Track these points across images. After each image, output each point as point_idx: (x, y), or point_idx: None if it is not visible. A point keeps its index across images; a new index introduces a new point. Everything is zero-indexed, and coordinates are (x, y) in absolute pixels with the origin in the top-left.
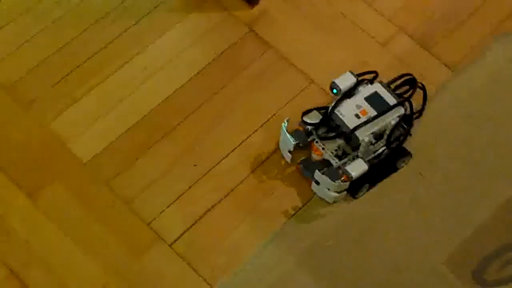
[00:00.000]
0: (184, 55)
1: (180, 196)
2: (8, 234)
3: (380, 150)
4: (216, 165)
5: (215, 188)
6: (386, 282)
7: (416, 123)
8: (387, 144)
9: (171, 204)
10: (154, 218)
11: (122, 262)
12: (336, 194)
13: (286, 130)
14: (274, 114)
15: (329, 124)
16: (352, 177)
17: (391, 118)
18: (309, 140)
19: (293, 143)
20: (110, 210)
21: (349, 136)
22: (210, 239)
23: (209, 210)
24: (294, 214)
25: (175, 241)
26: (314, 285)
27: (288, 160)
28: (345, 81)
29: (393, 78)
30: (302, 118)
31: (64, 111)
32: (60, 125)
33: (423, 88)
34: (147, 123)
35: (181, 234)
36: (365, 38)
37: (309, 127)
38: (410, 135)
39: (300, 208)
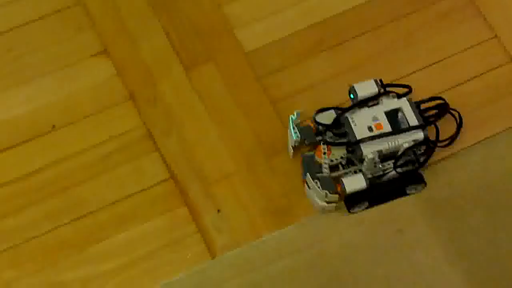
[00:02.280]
0: None
1: None
2: (155, 98)
3: (388, 171)
4: None
5: None
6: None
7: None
8: (394, 167)
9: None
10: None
11: (251, 158)
12: (325, 204)
13: (293, 124)
14: (446, 58)
15: (339, 128)
16: (345, 191)
17: (405, 140)
18: (317, 139)
19: (294, 139)
20: (255, 104)
21: (353, 147)
22: None
23: None
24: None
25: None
26: (432, 234)
27: (290, 155)
28: (366, 88)
29: (424, 98)
30: (314, 116)
31: None
32: (234, 9)
33: (458, 116)
34: (319, 29)
35: None
36: None
37: (320, 127)
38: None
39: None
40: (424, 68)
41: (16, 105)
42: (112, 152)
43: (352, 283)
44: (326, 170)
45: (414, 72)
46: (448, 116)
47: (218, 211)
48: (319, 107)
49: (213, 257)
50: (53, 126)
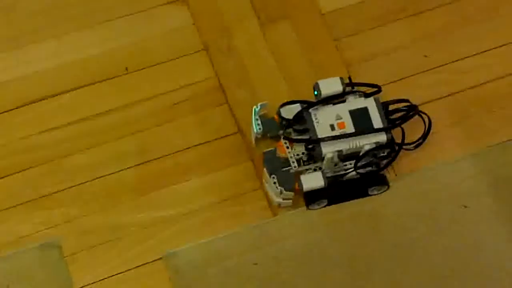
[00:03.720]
0: None
1: (399, 79)
2: (229, 51)
3: (350, 171)
4: (446, 64)
5: (438, 83)
6: None
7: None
8: (355, 168)
9: (388, 83)
10: None
11: None
12: (280, 200)
13: (256, 116)
14: None
15: (302, 124)
16: (302, 189)
17: (367, 142)
18: (280, 133)
19: (256, 131)
20: (328, 65)
21: (312, 146)
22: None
23: (426, 103)
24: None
25: None
26: (497, 211)
27: (253, 144)
28: (330, 86)
29: (392, 99)
30: (279, 109)
31: None
32: None
33: (428, 119)
34: None
35: None
36: None
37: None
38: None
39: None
40: (504, 45)
41: (90, 45)
42: (182, 101)
43: (411, 252)
44: (294, 164)
45: (492, 48)
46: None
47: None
48: (392, 74)
49: (274, 215)
50: (126, 69)
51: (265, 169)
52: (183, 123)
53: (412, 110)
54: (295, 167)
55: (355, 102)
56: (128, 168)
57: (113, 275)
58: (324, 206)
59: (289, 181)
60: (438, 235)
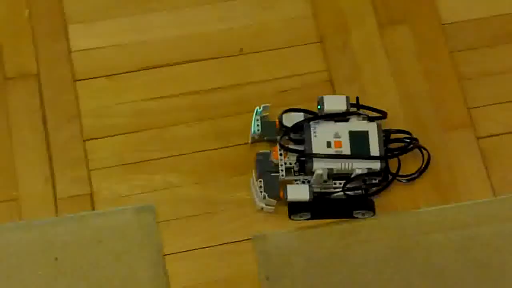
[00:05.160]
0: None
1: (506, 102)
2: (344, 47)
3: (338, 190)
4: None
5: None
6: None
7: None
8: (343, 189)
9: (498, 103)
10: (476, 107)
11: (427, 126)
12: (263, 205)
13: (257, 117)
14: None
15: (300, 134)
16: (286, 199)
17: (360, 166)
18: (277, 138)
19: (253, 132)
20: (440, 76)
21: (304, 159)
22: None
23: None
24: None
25: (485, 137)
26: None
27: (248, 144)
28: (335, 103)
29: (397, 129)
30: (281, 115)
31: None
32: None
33: (428, 155)
34: None
35: (494, 135)
36: None
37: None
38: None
39: None
40: None
41: (210, 21)
42: (292, 89)
43: (499, 274)
44: (282, 173)
45: None
46: None
47: None
48: (500, 95)
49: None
50: (241, 50)
51: (253, 173)
52: None
53: (410, 143)
54: (282, 175)
55: (357, 124)
56: (230, 146)
57: (201, 248)
58: (307, 219)
59: (275, 188)
60: None
